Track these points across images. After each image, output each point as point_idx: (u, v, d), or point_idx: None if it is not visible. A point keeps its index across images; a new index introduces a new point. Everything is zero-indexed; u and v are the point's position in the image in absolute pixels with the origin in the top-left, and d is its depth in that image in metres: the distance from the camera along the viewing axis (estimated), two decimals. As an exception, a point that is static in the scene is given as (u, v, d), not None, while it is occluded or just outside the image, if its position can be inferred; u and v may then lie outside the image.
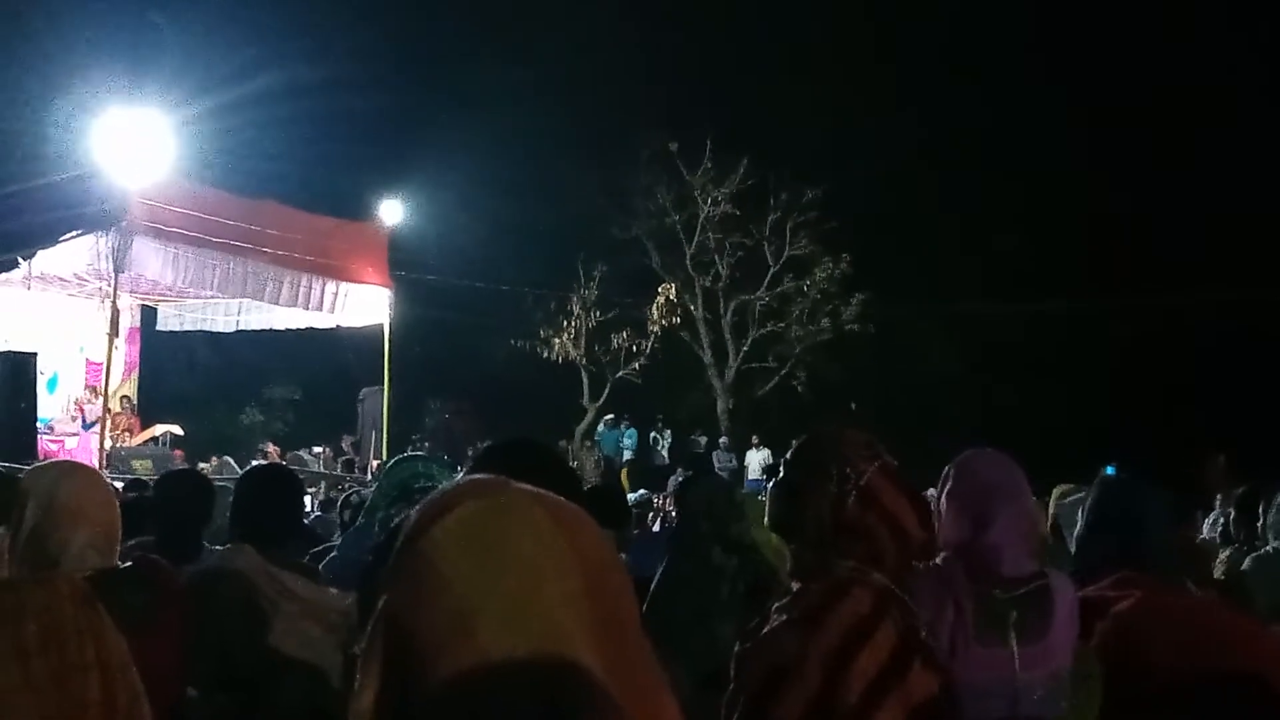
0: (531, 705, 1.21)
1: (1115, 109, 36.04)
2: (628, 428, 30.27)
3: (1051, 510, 6.05)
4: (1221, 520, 7.51)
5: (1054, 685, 3.10)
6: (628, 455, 29.70)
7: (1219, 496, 10.73)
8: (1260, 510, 6.08)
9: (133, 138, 16.28)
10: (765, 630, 2.71)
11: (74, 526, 3.27)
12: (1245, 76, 34.45)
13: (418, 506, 1.35)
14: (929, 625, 3.04)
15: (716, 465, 27.70)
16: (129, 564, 3.54)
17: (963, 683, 2.88)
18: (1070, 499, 5.44)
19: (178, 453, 19.87)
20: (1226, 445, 19.69)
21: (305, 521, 7.60)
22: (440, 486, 1.39)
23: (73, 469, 3.61)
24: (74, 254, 16.83)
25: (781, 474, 2.97)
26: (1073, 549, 3.63)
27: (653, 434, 30.57)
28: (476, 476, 1.42)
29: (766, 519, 3.02)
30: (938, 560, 3.25)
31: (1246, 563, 5.87)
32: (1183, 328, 32.67)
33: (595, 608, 1.28)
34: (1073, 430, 28.45)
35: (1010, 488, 3.32)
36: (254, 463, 19.42)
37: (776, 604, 2.78)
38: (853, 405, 26.55)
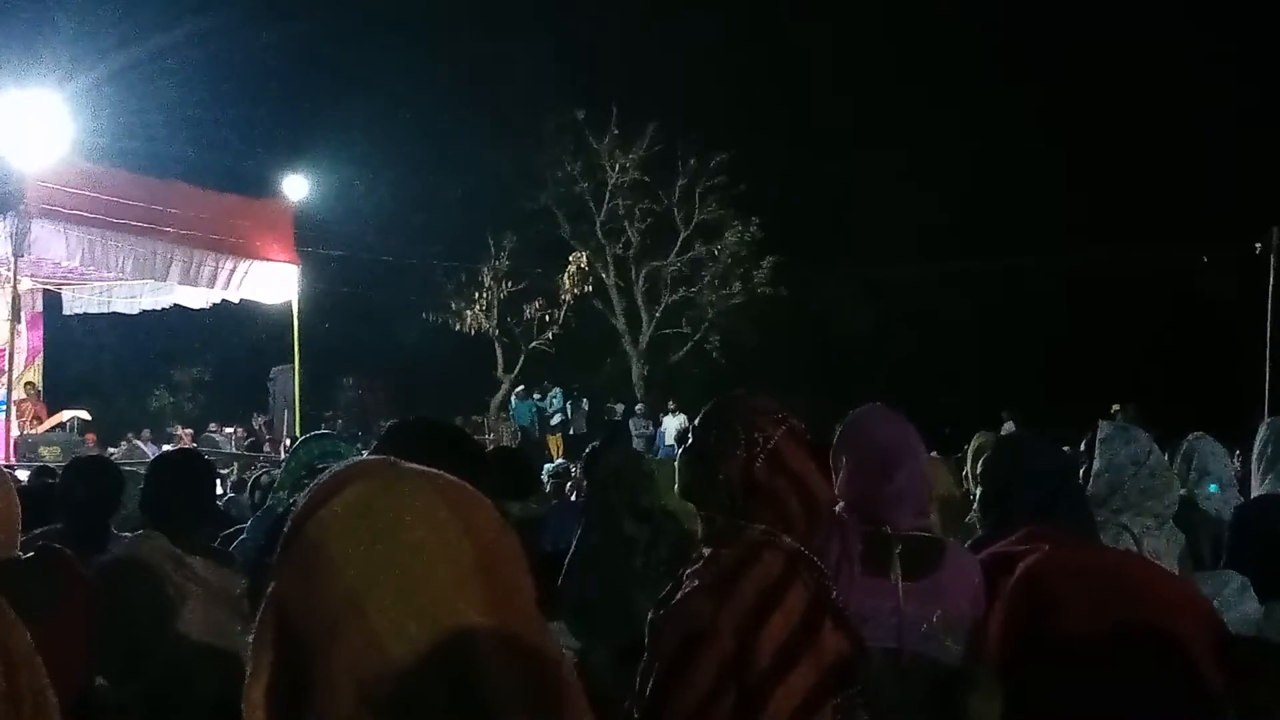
0: (426, 684, 1.20)
1: (1018, 69, 36.40)
2: (550, 389, 30.07)
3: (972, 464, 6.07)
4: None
5: (944, 625, 3.12)
6: (557, 419, 29.57)
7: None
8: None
9: (28, 120, 15.97)
10: (678, 597, 2.72)
11: (-34, 516, 3.18)
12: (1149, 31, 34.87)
13: (306, 490, 1.34)
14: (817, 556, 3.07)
15: (633, 432, 27.69)
16: (30, 554, 3.46)
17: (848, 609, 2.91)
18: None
19: (89, 437, 19.59)
20: (1129, 399, 19.96)
21: (218, 504, 7.52)
22: (329, 469, 1.37)
23: (-36, 459, 3.52)
24: (-30, 241, 16.47)
25: (690, 440, 2.97)
26: (976, 507, 3.66)
27: (568, 403, 30.45)
28: (363, 458, 1.40)
29: (676, 486, 3.01)
30: (835, 509, 3.26)
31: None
32: (1091, 285, 33.19)
33: (488, 584, 1.27)
34: (986, 389, 28.75)
35: (906, 447, 3.34)
36: (165, 448, 19.24)
37: (688, 570, 2.78)
38: None
